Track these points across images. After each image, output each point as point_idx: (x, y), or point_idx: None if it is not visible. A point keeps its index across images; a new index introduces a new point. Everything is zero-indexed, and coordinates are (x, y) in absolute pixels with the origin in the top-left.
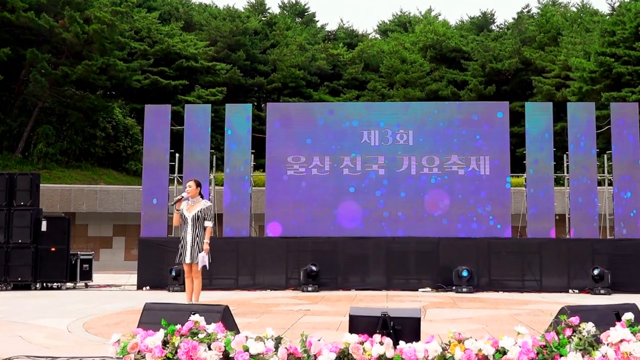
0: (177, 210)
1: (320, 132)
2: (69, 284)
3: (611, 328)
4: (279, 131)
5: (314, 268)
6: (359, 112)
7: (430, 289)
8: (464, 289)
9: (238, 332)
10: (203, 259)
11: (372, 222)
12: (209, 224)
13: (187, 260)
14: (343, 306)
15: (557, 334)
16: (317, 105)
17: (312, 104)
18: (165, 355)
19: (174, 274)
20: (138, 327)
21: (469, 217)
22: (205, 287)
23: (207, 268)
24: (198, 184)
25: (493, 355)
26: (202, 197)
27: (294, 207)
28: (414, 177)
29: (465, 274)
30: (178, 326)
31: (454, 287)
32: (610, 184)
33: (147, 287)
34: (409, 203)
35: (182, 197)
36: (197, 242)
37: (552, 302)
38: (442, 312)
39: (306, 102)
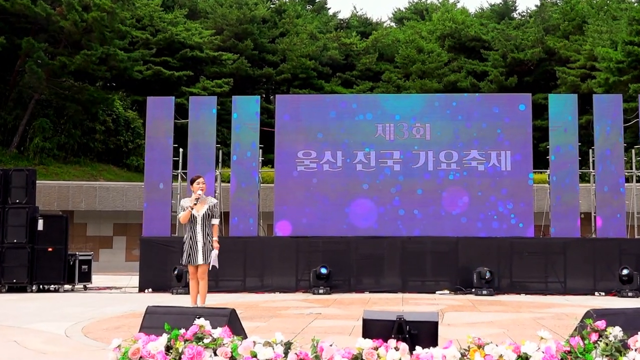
0: (191, 208)
1: (332, 125)
2: (67, 286)
3: (639, 332)
4: (289, 125)
5: (325, 269)
6: (373, 104)
7: (448, 292)
8: (484, 292)
9: (245, 337)
10: (215, 257)
11: (387, 221)
12: (216, 221)
13: (199, 261)
14: (356, 309)
15: (583, 339)
16: (329, 97)
17: (323, 96)
18: None
19: (177, 274)
20: (140, 331)
21: (489, 215)
22: (211, 289)
23: (217, 267)
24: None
25: None
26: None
27: (304, 204)
28: (431, 173)
29: (485, 275)
30: (182, 331)
31: (473, 290)
32: (638, 180)
33: (150, 290)
34: (426, 200)
35: (200, 195)
36: (209, 241)
37: (577, 305)
38: (461, 316)
39: (317, 94)
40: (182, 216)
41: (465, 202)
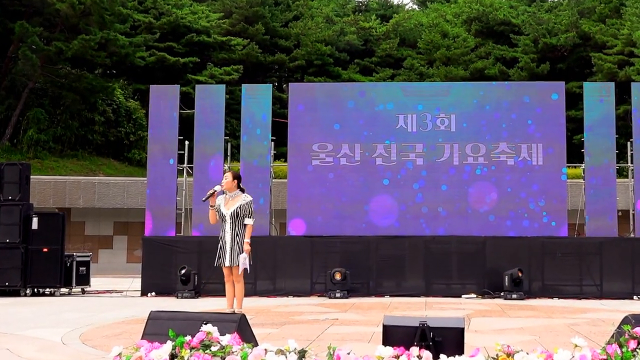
0: (211, 206)
1: (350, 116)
2: (64, 290)
3: None
4: (303, 115)
5: (342, 271)
6: (394, 93)
7: (475, 295)
8: (514, 295)
9: (256, 344)
10: (244, 261)
11: (408, 219)
12: (249, 221)
13: (227, 263)
14: (376, 315)
15: (620, 346)
16: (347, 85)
17: (340, 85)
18: None
19: (183, 277)
20: (142, 338)
21: (520, 213)
22: (219, 293)
23: (248, 271)
24: (236, 176)
25: None
26: (242, 190)
27: (319, 201)
28: (456, 167)
29: (515, 278)
30: (188, 337)
31: (502, 293)
32: None
33: (153, 293)
34: (450, 197)
35: (215, 190)
36: (238, 242)
37: (614, 310)
38: (489, 322)
39: (334, 82)
40: (209, 215)
41: (493, 199)
